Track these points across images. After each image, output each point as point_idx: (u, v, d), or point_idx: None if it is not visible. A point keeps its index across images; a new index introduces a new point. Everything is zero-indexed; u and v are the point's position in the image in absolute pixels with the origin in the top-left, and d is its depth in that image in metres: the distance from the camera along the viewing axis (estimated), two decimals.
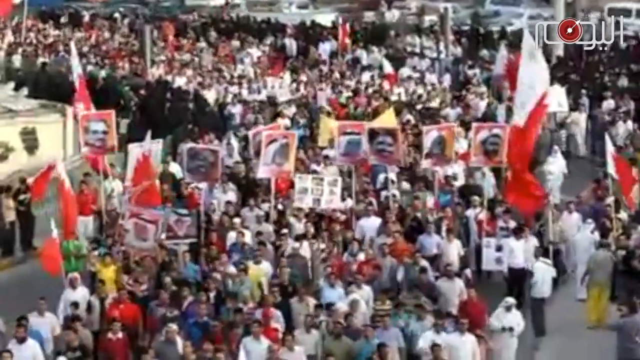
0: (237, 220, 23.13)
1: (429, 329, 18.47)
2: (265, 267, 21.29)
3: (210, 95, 35.79)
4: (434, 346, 17.74)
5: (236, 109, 34.24)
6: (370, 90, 37.01)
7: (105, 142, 24.84)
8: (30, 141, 29.39)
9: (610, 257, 22.15)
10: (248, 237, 22.38)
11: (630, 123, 32.18)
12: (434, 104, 35.93)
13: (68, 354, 17.62)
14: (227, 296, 19.74)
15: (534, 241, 22.44)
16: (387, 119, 28.47)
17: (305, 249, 22.09)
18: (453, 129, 25.69)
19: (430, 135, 24.89)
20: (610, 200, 24.40)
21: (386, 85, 38.20)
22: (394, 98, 36.24)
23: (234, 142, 29.50)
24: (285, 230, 22.91)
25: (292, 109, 34.40)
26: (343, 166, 26.02)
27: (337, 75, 39.82)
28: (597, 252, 22.44)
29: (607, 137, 25.41)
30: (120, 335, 18.47)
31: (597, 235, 23.13)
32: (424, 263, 21.24)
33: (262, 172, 24.63)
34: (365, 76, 39.87)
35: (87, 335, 18.69)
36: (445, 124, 27.00)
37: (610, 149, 24.43)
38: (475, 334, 18.49)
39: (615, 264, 22.14)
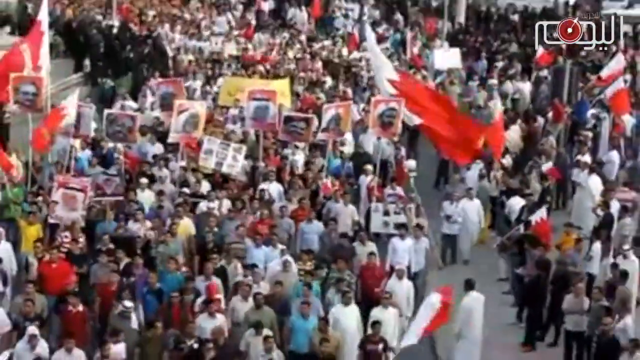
0: (143, 180, 23.98)
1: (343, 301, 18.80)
2: (189, 224, 21.81)
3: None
4: (375, 323, 17.66)
5: None
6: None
7: (34, 103, 25.20)
8: None
9: (489, 185, 25.93)
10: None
11: (515, 83, 34.76)
12: None
13: (26, 323, 17.32)
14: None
15: (425, 243, 22.72)
16: (279, 86, 29.64)
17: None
18: (349, 106, 26.77)
19: (328, 113, 25.54)
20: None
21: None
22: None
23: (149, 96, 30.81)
24: (185, 189, 23.77)
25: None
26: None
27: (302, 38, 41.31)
28: (479, 184, 25.91)
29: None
30: (80, 308, 17.92)
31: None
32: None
33: (172, 138, 25.40)
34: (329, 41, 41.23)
35: (42, 302, 18.26)
36: (343, 102, 27.98)
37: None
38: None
39: (495, 198, 25.68)
